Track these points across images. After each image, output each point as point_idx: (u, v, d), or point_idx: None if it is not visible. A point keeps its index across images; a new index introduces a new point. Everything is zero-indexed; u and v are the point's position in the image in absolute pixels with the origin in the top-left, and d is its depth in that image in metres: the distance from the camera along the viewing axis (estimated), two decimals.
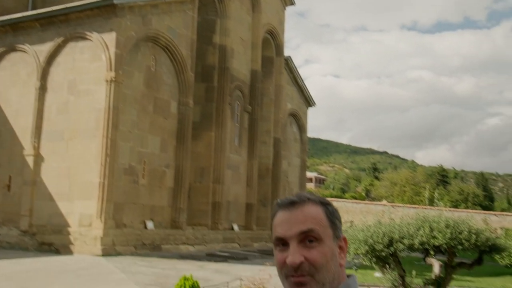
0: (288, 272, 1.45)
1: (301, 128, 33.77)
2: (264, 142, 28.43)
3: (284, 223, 1.49)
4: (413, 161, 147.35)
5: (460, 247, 8.62)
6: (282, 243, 1.49)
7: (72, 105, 18.91)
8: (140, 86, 19.65)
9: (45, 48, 19.61)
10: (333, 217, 1.52)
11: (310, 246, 1.45)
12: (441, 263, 9.91)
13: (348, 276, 1.54)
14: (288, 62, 31.58)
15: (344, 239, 1.54)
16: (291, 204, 1.51)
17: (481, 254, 9.35)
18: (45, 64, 19.61)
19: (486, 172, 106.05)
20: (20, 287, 11.21)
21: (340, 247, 1.52)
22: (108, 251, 17.12)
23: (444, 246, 8.95)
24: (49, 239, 18.24)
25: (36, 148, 19.35)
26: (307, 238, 1.45)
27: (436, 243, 8.64)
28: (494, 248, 8.98)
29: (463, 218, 9.11)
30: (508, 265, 19.16)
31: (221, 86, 24.09)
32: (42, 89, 19.60)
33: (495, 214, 39.59)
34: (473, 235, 8.59)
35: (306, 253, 1.44)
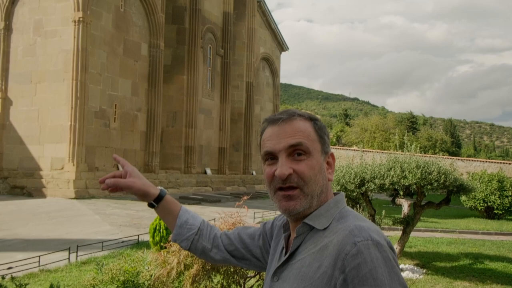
0: (276, 185, 1.46)
1: (274, 72, 33.59)
2: (236, 87, 28.26)
3: (273, 137, 1.49)
4: (383, 108, 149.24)
5: (429, 187, 8.85)
6: (271, 157, 1.49)
7: (39, 46, 18.34)
8: (109, 27, 19.10)
9: None
10: (321, 132, 1.52)
11: (298, 159, 1.45)
12: (410, 202, 10.21)
13: (336, 193, 1.56)
14: (261, 4, 31.01)
15: (332, 155, 1.55)
16: (280, 119, 1.51)
17: (449, 194, 9.64)
18: (9, 3, 18.83)
19: (454, 119, 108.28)
20: None
21: (328, 163, 1.53)
22: (81, 194, 17.10)
23: (414, 186, 9.20)
24: (21, 183, 18.09)
25: (3, 91, 18.85)
26: (296, 151, 1.45)
27: (406, 183, 8.85)
28: (461, 188, 9.25)
29: (433, 160, 9.33)
30: (472, 207, 19.88)
31: (192, 28, 23.59)
32: (7, 29, 18.91)
33: (461, 160, 40.68)
34: (442, 176, 8.82)
35: (295, 166, 1.44)
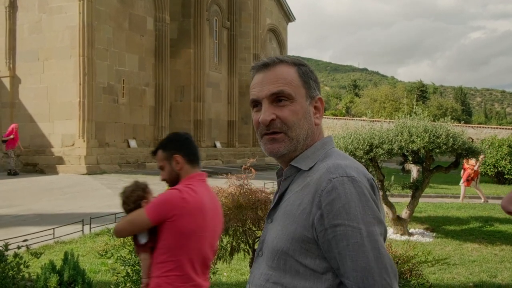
0: (262, 131, 1.51)
1: (281, 44, 33.33)
2: (243, 59, 28.09)
3: (257, 84, 1.53)
4: (393, 77, 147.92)
5: (437, 150, 8.85)
6: (256, 104, 1.54)
7: (45, 23, 18.31)
8: (114, 2, 18.99)
9: None
10: (306, 77, 1.53)
11: (281, 105, 1.48)
12: (419, 167, 10.22)
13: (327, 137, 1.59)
14: None
15: (320, 100, 1.56)
16: (264, 66, 1.54)
17: (458, 158, 9.63)
18: None
19: (465, 87, 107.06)
20: (8, 204, 11.36)
21: (316, 107, 1.55)
22: (93, 170, 17.27)
23: (422, 150, 9.20)
24: (33, 160, 18.28)
25: (11, 69, 18.92)
26: (278, 98, 1.49)
27: (415, 148, 8.85)
28: (470, 151, 9.24)
29: (442, 124, 9.30)
30: (483, 172, 19.84)
31: (197, 1, 23.35)
32: (12, 7, 18.87)
33: (472, 127, 40.40)
34: (450, 139, 8.80)
35: (278, 112, 1.48)
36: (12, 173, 16.81)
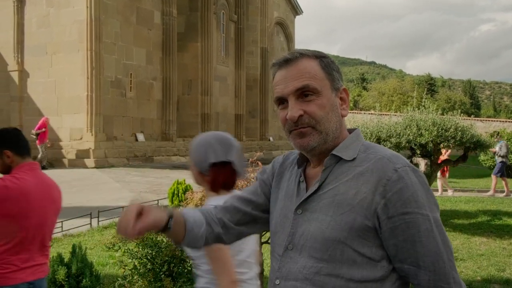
0: (290, 128, 1.50)
1: (289, 37, 33.23)
2: (251, 53, 28.05)
3: (281, 81, 1.51)
4: (401, 71, 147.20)
5: (445, 144, 8.83)
6: (282, 101, 1.52)
7: (52, 17, 18.36)
8: None
9: None
10: (329, 68, 1.52)
11: (308, 100, 1.47)
12: (427, 161, 10.18)
13: (351, 129, 1.58)
14: None
15: (345, 90, 1.55)
16: (286, 62, 1.52)
17: (466, 151, 9.59)
18: None
19: (473, 80, 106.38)
20: None
21: (342, 99, 1.54)
22: (101, 163, 17.35)
23: (431, 144, 9.16)
24: None
25: (20, 63, 19.01)
26: (304, 93, 1.47)
27: (423, 141, 8.82)
28: (478, 145, 9.19)
29: (450, 117, 9.25)
30: (491, 166, 19.72)
31: None
32: (20, 1, 18.94)
33: (480, 120, 40.18)
34: (459, 132, 8.77)
35: (305, 107, 1.47)
36: (42, 167, 16.74)
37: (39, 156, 16.62)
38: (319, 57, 1.53)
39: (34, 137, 16.64)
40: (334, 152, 1.49)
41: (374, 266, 1.40)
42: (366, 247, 1.39)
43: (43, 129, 16.96)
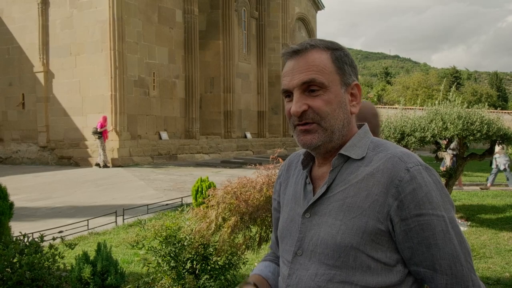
0: (294, 122, 1.43)
1: (310, 33, 33.05)
2: (272, 49, 27.98)
3: (288, 73, 1.44)
4: (425, 64, 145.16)
5: (471, 137, 8.66)
6: (288, 94, 1.46)
7: (76, 18, 18.61)
8: None
9: None
10: (341, 62, 1.43)
11: (314, 95, 1.40)
12: (452, 155, 10.03)
13: (360, 125, 1.51)
14: None
15: (357, 86, 1.46)
16: (295, 52, 1.45)
17: (493, 145, 9.41)
18: None
19: (500, 72, 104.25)
20: (44, 196, 11.65)
21: (352, 94, 1.46)
22: (126, 162, 17.55)
23: (456, 138, 9.01)
24: (68, 153, 18.69)
25: (45, 64, 19.32)
26: (310, 87, 1.40)
27: (448, 135, 8.68)
28: (505, 138, 9.00)
29: (476, 110, 9.08)
30: None
31: None
32: (44, 3, 19.23)
33: (508, 113, 39.43)
34: (484, 126, 8.59)
35: (310, 102, 1.40)
36: (102, 166, 16.82)
37: (100, 158, 16.73)
38: (332, 49, 1.44)
39: (97, 135, 16.74)
40: (341, 151, 1.42)
41: (390, 271, 1.34)
42: (380, 251, 1.33)
43: (106, 127, 17.12)
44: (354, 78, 1.47)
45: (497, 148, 12.91)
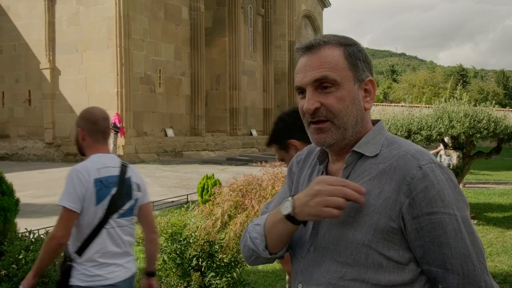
0: (308, 119, 1.43)
1: (317, 30, 32.97)
2: (278, 46, 27.95)
3: (301, 70, 1.43)
4: (431, 62, 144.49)
5: (478, 135, 8.62)
6: (301, 91, 1.45)
7: (82, 15, 18.64)
8: None
9: None
10: (354, 58, 1.42)
11: (326, 92, 1.39)
12: (459, 153, 9.98)
13: (374, 121, 1.49)
14: None
15: (371, 82, 1.44)
16: (308, 49, 1.43)
17: (500, 143, 9.36)
18: None
19: (507, 70, 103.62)
20: (50, 193, 11.68)
21: (366, 90, 1.44)
22: (132, 159, 17.56)
23: (463, 136, 8.97)
24: (74, 150, 18.69)
25: (52, 61, 19.36)
26: (322, 84, 1.39)
27: (455, 133, 8.63)
28: None
29: (483, 108, 9.03)
30: None
31: None
32: (51, 0, 19.25)
33: None
34: (492, 124, 8.55)
35: (323, 99, 1.39)
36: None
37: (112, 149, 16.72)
38: (345, 45, 1.42)
39: (115, 131, 16.67)
40: (355, 148, 1.41)
41: (402, 270, 1.32)
42: (392, 250, 1.31)
43: (121, 124, 17.14)
44: (368, 73, 1.45)
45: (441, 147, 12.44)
